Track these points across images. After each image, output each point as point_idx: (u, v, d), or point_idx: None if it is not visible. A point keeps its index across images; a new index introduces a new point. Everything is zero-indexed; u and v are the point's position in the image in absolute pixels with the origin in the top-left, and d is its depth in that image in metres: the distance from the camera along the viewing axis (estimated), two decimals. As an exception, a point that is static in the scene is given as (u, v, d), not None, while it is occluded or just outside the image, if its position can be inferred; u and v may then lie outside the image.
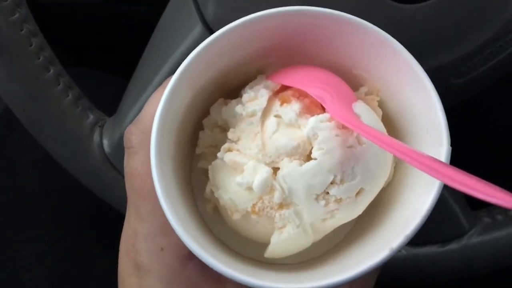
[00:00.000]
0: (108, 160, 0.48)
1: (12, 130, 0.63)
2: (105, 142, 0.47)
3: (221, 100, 0.39)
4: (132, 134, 0.38)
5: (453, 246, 0.49)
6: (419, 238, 0.32)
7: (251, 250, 0.39)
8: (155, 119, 0.34)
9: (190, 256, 0.35)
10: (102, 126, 0.48)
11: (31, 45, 0.45)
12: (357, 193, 0.34)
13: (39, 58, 0.45)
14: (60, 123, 0.46)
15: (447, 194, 0.49)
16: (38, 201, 0.62)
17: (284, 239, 0.35)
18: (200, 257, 0.32)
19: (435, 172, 0.27)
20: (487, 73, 0.45)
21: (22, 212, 0.62)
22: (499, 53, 0.44)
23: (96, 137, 0.47)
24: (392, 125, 0.38)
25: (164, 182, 0.33)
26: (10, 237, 0.61)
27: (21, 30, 0.45)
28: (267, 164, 0.34)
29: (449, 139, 0.33)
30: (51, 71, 0.46)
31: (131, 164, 0.37)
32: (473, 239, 0.48)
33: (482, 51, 0.44)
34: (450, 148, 0.33)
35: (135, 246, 0.37)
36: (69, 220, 0.62)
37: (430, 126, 0.34)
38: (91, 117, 0.47)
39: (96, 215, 0.58)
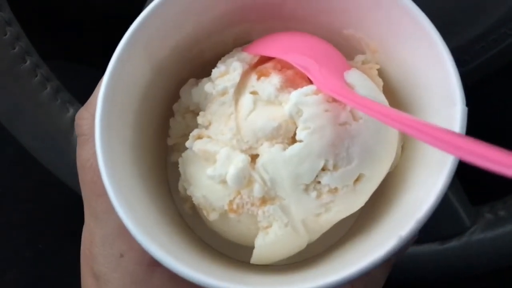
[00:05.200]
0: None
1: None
2: (86, 137, 0.46)
3: (192, 80, 0.32)
4: (82, 119, 0.31)
5: (453, 243, 0.46)
6: (417, 235, 0.27)
7: (239, 252, 0.33)
8: (99, 94, 0.27)
9: (156, 263, 0.27)
10: (75, 123, 0.46)
11: (5, 35, 0.42)
12: (356, 180, 0.28)
13: (14, 48, 0.43)
14: (38, 117, 0.43)
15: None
16: (10, 200, 0.57)
17: (270, 241, 0.28)
18: (160, 261, 0.25)
19: (448, 145, 0.21)
20: (489, 61, 0.42)
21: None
22: (502, 41, 0.41)
23: None
24: (394, 93, 0.31)
25: (114, 172, 0.26)
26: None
27: None
28: (243, 151, 0.28)
29: (464, 97, 0.26)
30: (28, 62, 0.43)
31: (82, 155, 0.30)
32: (475, 236, 0.46)
33: (485, 38, 0.41)
34: (466, 108, 0.26)
35: (91, 251, 0.31)
36: (43, 219, 0.57)
37: (439, 84, 0.27)
38: (72, 110, 0.44)
39: (72, 213, 0.54)
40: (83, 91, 0.47)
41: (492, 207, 0.47)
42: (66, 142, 0.45)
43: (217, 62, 0.31)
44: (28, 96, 0.44)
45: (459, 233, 0.47)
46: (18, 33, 0.44)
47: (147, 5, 0.45)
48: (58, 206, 0.57)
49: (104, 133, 0.27)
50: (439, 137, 0.22)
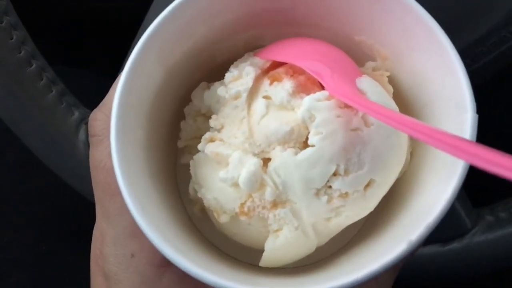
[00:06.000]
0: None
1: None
2: (92, 140, 0.46)
3: (204, 83, 0.32)
4: (96, 120, 0.31)
5: (455, 245, 0.46)
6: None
7: (248, 255, 0.33)
8: (115, 96, 0.27)
9: (166, 263, 0.28)
10: (88, 124, 0.47)
11: (11, 38, 0.43)
12: (367, 186, 0.28)
13: (20, 52, 0.43)
14: (43, 120, 0.44)
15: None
16: (12, 204, 0.57)
17: (280, 244, 0.28)
18: (172, 261, 0.26)
19: (459, 151, 0.21)
20: (489, 65, 0.42)
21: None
22: (502, 44, 0.42)
23: (81, 134, 0.44)
24: (404, 100, 0.32)
25: (128, 172, 0.27)
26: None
27: (1, 23, 0.43)
28: (255, 155, 0.28)
29: (474, 105, 0.27)
30: (34, 65, 0.43)
31: (95, 156, 0.31)
32: (476, 238, 0.46)
33: (485, 42, 0.41)
34: (477, 115, 0.27)
35: (102, 251, 0.31)
36: (46, 221, 0.58)
37: (449, 92, 0.28)
38: (76, 113, 0.44)
39: (76, 214, 0.52)
40: (85, 95, 0.47)
41: (493, 209, 0.48)
42: (70, 145, 0.45)
43: (227, 66, 0.31)
44: (34, 99, 0.44)
45: (460, 235, 0.47)
46: (24, 37, 0.44)
47: (150, 12, 0.46)
48: (61, 207, 0.57)
49: (119, 134, 0.27)
50: (450, 143, 0.22)
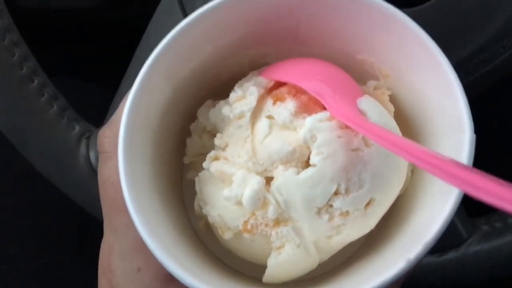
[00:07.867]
0: (95, 172, 0.44)
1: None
2: (92, 154, 0.45)
3: (209, 101, 0.33)
4: (104, 137, 0.32)
5: (451, 255, 0.47)
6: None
7: (253, 269, 0.33)
8: (123, 112, 0.28)
9: (171, 278, 0.28)
10: (89, 138, 0.45)
11: (13, 56, 0.43)
12: (367, 204, 0.29)
13: (22, 69, 0.43)
14: (45, 135, 0.44)
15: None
16: (16, 216, 0.58)
17: (283, 261, 0.29)
18: (176, 276, 0.26)
19: (455, 179, 0.22)
20: (483, 78, 0.43)
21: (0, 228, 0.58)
22: (495, 58, 0.42)
23: (82, 148, 0.45)
24: (404, 117, 0.32)
25: (135, 188, 0.27)
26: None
27: (3, 40, 0.43)
28: (258, 174, 0.29)
29: (472, 125, 0.27)
30: (35, 81, 0.44)
31: (103, 172, 0.32)
32: (472, 247, 0.46)
33: (479, 56, 0.42)
34: (474, 135, 0.27)
35: (110, 265, 0.32)
36: (48, 235, 0.58)
37: (448, 111, 0.28)
38: (77, 128, 0.45)
39: (78, 227, 0.55)
40: (86, 107, 0.48)
41: (488, 219, 0.48)
42: (71, 159, 0.45)
43: (233, 83, 0.32)
44: (35, 115, 0.44)
45: (456, 245, 0.47)
46: (26, 53, 0.45)
47: (151, 26, 0.46)
48: (62, 221, 0.58)
49: (126, 151, 0.28)
50: (447, 171, 0.22)
